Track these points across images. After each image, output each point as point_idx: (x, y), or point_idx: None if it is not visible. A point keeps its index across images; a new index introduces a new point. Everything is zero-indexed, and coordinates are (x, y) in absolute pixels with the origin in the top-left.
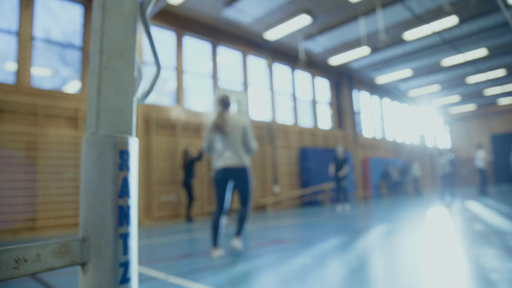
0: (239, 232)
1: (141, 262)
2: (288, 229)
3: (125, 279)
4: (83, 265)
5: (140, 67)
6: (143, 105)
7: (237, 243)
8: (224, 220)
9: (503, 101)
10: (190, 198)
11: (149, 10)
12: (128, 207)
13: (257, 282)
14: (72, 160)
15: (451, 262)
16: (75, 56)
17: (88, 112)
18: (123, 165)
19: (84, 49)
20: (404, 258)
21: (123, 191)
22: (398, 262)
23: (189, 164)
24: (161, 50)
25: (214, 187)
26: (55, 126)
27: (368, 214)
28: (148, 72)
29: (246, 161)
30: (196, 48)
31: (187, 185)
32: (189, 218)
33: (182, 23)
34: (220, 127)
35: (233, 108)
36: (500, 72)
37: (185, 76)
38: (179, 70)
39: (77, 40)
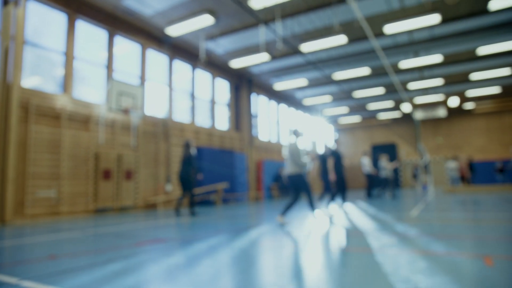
0: (312, 209)
1: None
2: (172, 228)
3: None
4: None
5: None
6: (21, 89)
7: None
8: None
9: (382, 116)
10: (183, 193)
11: None
12: None
13: (119, 283)
14: None
15: (310, 258)
16: None
17: None
18: None
19: None
20: (273, 256)
21: None
22: (265, 260)
23: (187, 158)
24: (48, 30)
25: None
26: None
27: (255, 215)
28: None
29: (299, 170)
30: (91, 34)
31: (182, 180)
32: (177, 211)
33: (75, 5)
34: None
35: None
36: (380, 90)
37: (75, 63)
38: (68, 56)
39: None
